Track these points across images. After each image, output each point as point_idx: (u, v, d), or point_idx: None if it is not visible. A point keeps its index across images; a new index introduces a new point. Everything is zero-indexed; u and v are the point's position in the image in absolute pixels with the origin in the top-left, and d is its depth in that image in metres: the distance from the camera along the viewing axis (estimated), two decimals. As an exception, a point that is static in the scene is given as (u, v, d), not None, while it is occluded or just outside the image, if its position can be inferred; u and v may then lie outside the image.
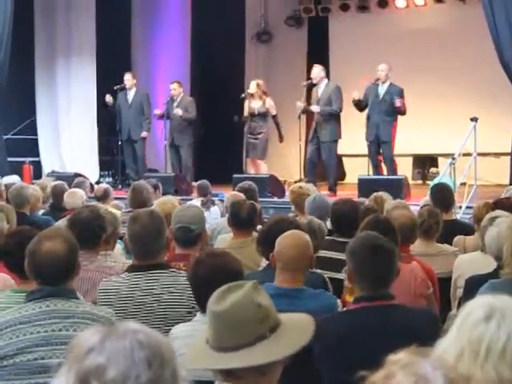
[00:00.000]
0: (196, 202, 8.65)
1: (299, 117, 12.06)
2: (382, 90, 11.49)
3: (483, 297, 1.84)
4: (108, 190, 8.42)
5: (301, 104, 11.94)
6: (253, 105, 12.27)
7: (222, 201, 8.44)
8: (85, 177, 11.08)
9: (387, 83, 11.50)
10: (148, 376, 1.40)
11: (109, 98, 13.19)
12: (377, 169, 11.57)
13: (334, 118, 11.77)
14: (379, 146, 11.46)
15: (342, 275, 4.77)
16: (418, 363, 1.34)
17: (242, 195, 7.14)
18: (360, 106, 11.59)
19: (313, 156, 11.88)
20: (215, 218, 8.04)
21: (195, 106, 13.22)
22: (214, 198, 9.15)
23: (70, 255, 3.29)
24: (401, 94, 11.38)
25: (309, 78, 12.26)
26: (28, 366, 3.17)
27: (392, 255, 3.40)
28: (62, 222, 5.77)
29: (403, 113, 11.43)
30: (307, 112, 12.25)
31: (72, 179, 9.80)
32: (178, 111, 12.87)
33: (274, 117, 12.33)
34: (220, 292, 2.34)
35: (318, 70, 11.96)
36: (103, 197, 8.19)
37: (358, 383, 1.35)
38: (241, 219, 5.60)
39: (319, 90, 11.90)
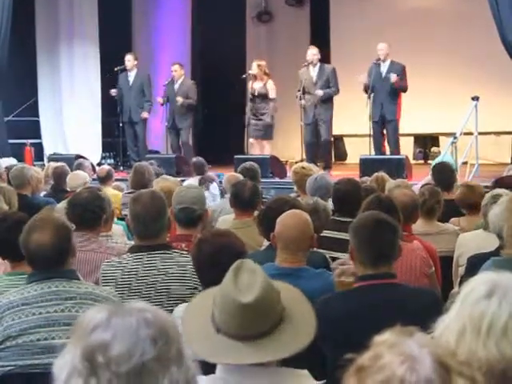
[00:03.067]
0: (193, 180, 8.69)
1: (300, 98, 11.99)
2: (384, 68, 11.47)
3: (485, 274, 1.84)
4: (110, 172, 8.46)
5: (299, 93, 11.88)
6: (254, 86, 12.25)
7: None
8: (86, 158, 11.07)
9: (388, 61, 11.48)
10: (153, 353, 1.42)
11: (114, 92, 13.19)
12: (380, 149, 11.54)
13: (330, 99, 11.75)
14: (384, 126, 11.44)
15: (344, 255, 4.78)
16: (405, 342, 1.34)
17: (239, 176, 7.15)
18: (366, 89, 11.52)
19: (310, 137, 11.87)
20: (215, 194, 8.07)
21: (196, 91, 13.19)
22: (210, 174, 9.15)
23: (57, 244, 3.28)
24: (402, 71, 11.36)
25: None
26: (31, 347, 3.19)
27: (394, 231, 3.40)
28: (62, 204, 5.78)
29: (404, 89, 11.41)
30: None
31: (73, 161, 9.81)
32: (179, 100, 12.83)
33: (272, 100, 12.26)
34: (232, 280, 2.25)
35: (315, 51, 11.92)
36: (106, 178, 8.23)
37: (346, 367, 1.36)
38: (243, 200, 5.59)
39: (313, 72, 11.84)
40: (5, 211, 4.80)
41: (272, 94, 12.20)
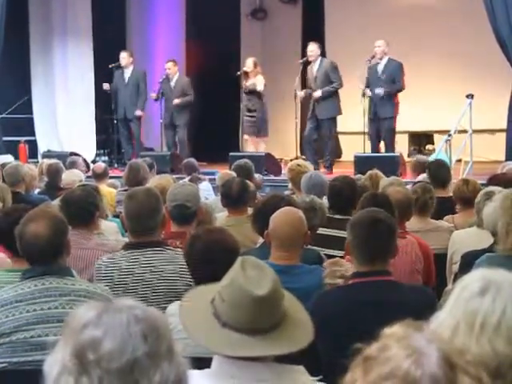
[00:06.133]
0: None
1: (297, 96, 11.97)
2: (381, 66, 11.45)
3: (479, 271, 1.85)
4: (106, 169, 8.50)
5: (301, 93, 11.86)
6: (247, 82, 12.24)
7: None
8: (80, 155, 11.06)
9: (385, 59, 11.44)
10: (144, 349, 1.42)
11: (106, 86, 13.18)
12: (375, 146, 11.53)
13: (332, 94, 11.73)
14: (379, 123, 11.43)
15: (338, 252, 4.78)
16: (413, 336, 1.34)
17: (232, 173, 7.14)
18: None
19: (311, 134, 11.84)
20: (208, 192, 8.07)
21: (191, 86, 13.16)
22: (200, 176, 9.14)
23: (52, 236, 3.28)
24: (399, 70, 11.34)
25: (304, 56, 12.19)
26: (25, 344, 3.18)
27: (391, 230, 3.40)
28: (56, 202, 5.78)
29: (399, 90, 11.39)
30: (307, 95, 12.08)
31: (68, 158, 9.81)
32: (176, 101, 12.80)
33: (260, 94, 12.22)
34: (242, 274, 2.25)
35: (315, 47, 11.87)
36: (102, 175, 8.24)
37: (353, 356, 1.35)
38: (232, 197, 5.59)
39: (314, 68, 11.83)
40: (10, 206, 4.76)
41: (259, 87, 12.14)
